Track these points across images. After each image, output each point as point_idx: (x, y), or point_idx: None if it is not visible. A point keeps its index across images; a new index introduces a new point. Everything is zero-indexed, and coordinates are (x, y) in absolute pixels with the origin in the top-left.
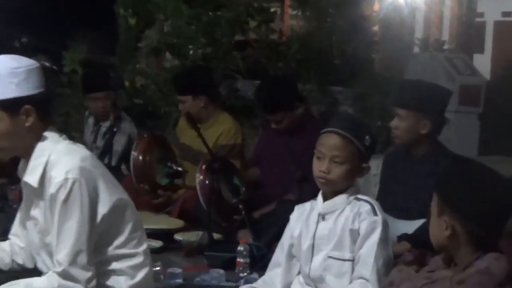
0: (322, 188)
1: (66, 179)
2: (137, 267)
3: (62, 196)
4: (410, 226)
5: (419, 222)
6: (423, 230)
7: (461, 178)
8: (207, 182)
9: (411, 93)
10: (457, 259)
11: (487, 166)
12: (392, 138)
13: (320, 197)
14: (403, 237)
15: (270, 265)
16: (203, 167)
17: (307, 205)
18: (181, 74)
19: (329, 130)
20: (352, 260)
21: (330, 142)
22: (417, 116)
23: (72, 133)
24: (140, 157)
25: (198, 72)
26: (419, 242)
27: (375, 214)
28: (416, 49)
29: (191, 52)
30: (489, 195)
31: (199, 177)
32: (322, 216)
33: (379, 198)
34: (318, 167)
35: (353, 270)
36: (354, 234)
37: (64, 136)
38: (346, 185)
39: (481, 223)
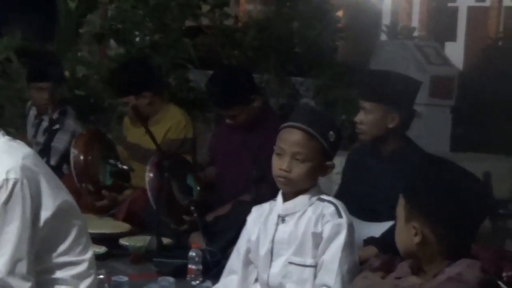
0: (282, 188)
1: (6, 180)
2: (80, 276)
3: (1, 198)
4: (378, 229)
5: (387, 225)
6: (391, 233)
7: (430, 180)
8: (156, 181)
9: (378, 85)
10: (426, 267)
11: (459, 165)
12: (358, 134)
13: (280, 197)
14: (369, 241)
15: (225, 272)
16: (153, 164)
17: (266, 206)
18: (118, 74)
19: (290, 125)
20: (315, 266)
21: (291, 138)
22: (384, 109)
23: (7, 128)
24: (81, 155)
25: (136, 69)
26: (387, 246)
27: (340, 216)
28: (383, 37)
29: (137, 39)
30: (461, 198)
31: (149, 175)
32: (282, 218)
33: (342, 199)
34: (278, 165)
35: (315, 277)
36: (317, 238)
37: (2, 131)
38: (308, 184)
39: (453, 228)
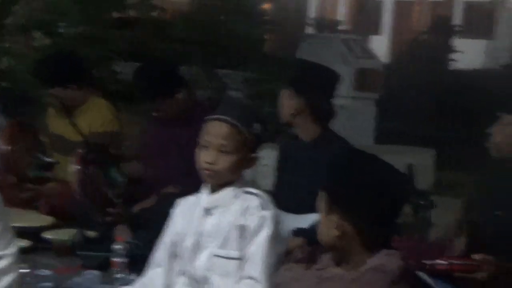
0: (207, 181)
1: None
2: (3, 271)
3: None
4: (306, 220)
5: (315, 216)
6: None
7: (349, 174)
8: (82, 173)
9: (292, 72)
10: (348, 258)
11: (378, 157)
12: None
13: (205, 190)
14: (298, 232)
15: (150, 265)
16: (78, 157)
17: (191, 198)
18: (45, 65)
19: (216, 117)
20: (240, 259)
21: (216, 131)
22: (296, 96)
23: None
24: (6, 148)
25: (64, 61)
26: (315, 238)
27: (265, 208)
28: (309, 30)
29: (64, 30)
30: (380, 191)
31: (74, 167)
32: (208, 211)
33: (275, 192)
34: (204, 158)
35: (240, 269)
36: (242, 231)
37: None
38: (233, 177)
39: (372, 221)
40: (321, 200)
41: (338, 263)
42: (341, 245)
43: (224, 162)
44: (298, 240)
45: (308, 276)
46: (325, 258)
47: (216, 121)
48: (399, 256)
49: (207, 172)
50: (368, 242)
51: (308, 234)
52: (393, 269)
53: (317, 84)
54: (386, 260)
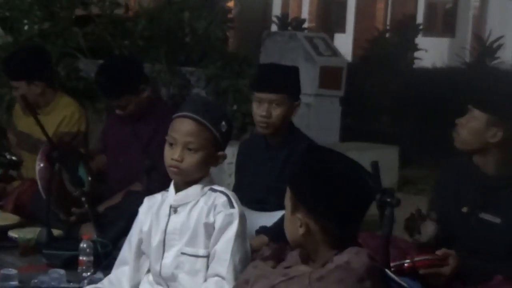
0: (174, 178)
1: None
2: None
3: None
4: (269, 219)
5: (278, 214)
6: (282, 223)
7: (314, 172)
8: (47, 171)
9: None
10: (314, 256)
11: (343, 155)
12: (262, 128)
13: (172, 188)
14: (261, 231)
15: (117, 263)
16: (43, 155)
17: (158, 196)
18: (11, 57)
19: (183, 115)
20: (207, 257)
21: (183, 128)
22: (278, 99)
23: None
24: None
25: (31, 55)
26: (279, 236)
27: (232, 206)
28: (274, 28)
29: (26, 27)
30: (344, 189)
31: (39, 166)
32: (174, 209)
33: (235, 189)
34: (170, 155)
35: (208, 267)
36: (209, 228)
37: None
38: (200, 174)
39: (337, 220)
40: (287, 198)
41: (305, 260)
42: (306, 243)
43: (190, 159)
44: (261, 239)
45: (275, 274)
46: (292, 256)
47: (183, 118)
48: (365, 254)
49: (174, 169)
50: (334, 240)
51: (270, 233)
52: (359, 267)
53: (291, 83)
54: (353, 258)
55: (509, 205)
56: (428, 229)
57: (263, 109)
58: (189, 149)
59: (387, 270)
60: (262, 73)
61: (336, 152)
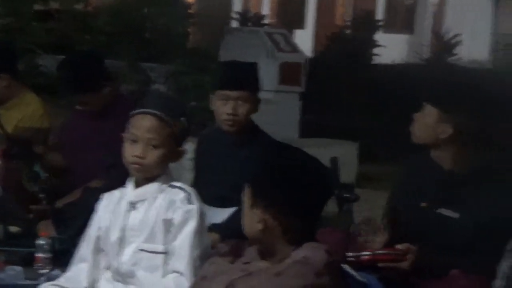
0: (135, 175)
1: None
2: None
3: None
4: (227, 214)
5: (233, 210)
6: (233, 220)
7: (272, 169)
8: (5, 168)
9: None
10: (272, 251)
11: (303, 151)
12: (228, 126)
13: (130, 184)
14: (212, 228)
15: (75, 260)
16: (1, 151)
17: (116, 193)
18: None
19: (143, 111)
20: (166, 253)
21: (145, 124)
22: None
23: None
24: None
25: None
26: (230, 233)
27: (191, 202)
28: (234, 23)
29: None
30: (303, 186)
31: None
32: (133, 205)
33: (194, 185)
34: (132, 152)
35: (166, 263)
36: (168, 225)
37: None
38: (160, 170)
39: (295, 216)
40: (246, 193)
41: (263, 256)
42: (265, 239)
43: (152, 155)
44: (212, 236)
45: (233, 270)
46: (250, 251)
47: (144, 114)
48: (323, 249)
49: (135, 166)
50: (293, 236)
51: (222, 230)
52: (317, 262)
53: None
54: (311, 253)
55: (467, 200)
56: (379, 239)
57: (230, 107)
58: (151, 146)
59: (345, 266)
60: (227, 71)
61: (295, 149)
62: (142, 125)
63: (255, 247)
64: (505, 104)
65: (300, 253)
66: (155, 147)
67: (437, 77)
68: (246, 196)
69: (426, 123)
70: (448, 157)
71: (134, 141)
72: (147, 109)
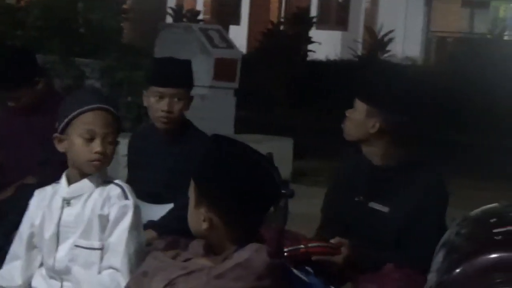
0: (93, 171)
1: None
2: None
3: None
4: (164, 211)
5: (170, 207)
6: (170, 218)
7: (218, 166)
8: None
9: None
10: (217, 249)
11: (250, 148)
12: (164, 123)
13: (64, 180)
14: (149, 225)
15: (8, 257)
16: None
17: (48, 189)
18: None
19: (99, 107)
20: (102, 249)
21: (102, 120)
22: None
23: None
24: None
25: None
26: (166, 230)
27: (126, 198)
28: (169, 19)
29: None
30: (249, 184)
31: None
32: (67, 202)
33: (129, 182)
34: (91, 149)
35: (102, 259)
36: (104, 220)
37: None
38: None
39: (240, 216)
40: (192, 190)
41: (207, 252)
42: (210, 237)
43: (110, 151)
44: (149, 233)
45: (174, 266)
46: (193, 246)
47: (99, 110)
48: (265, 251)
49: (97, 163)
50: (237, 235)
51: (158, 227)
52: (259, 264)
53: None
54: (253, 255)
55: (396, 194)
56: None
57: (165, 104)
58: (108, 141)
59: (292, 268)
60: (162, 67)
61: (242, 145)
62: (99, 121)
63: (198, 242)
64: (434, 99)
65: (242, 254)
66: (110, 143)
67: (362, 73)
68: (192, 193)
69: (356, 118)
70: (377, 153)
71: (92, 138)
72: (101, 105)
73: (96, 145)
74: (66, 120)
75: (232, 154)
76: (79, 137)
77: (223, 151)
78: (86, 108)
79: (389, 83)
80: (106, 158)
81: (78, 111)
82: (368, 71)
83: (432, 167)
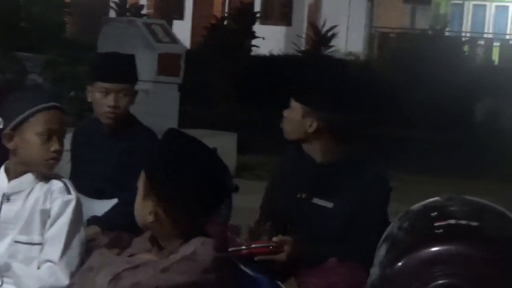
0: (48, 171)
1: None
2: None
3: None
4: (106, 206)
5: (113, 202)
6: (114, 213)
7: (169, 161)
8: None
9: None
10: (162, 244)
11: (203, 144)
12: (110, 118)
13: (3, 175)
14: (92, 220)
15: None
16: None
17: None
18: None
19: (55, 105)
20: (42, 244)
21: (58, 119)
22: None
23: None
24: None
25: None
26: (110, 225)
27: (69, 192)
28: (112, 14)
29: None
30: (198, 180)
31: None
32: (7, 197)
33: (71, 177)
34: (50, 148)
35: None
36: (45, 215)
37: None
38: None
39: (187, 211)
40: (141, 182)
41: (152, 248)
42: (156, 230)
43: (62, 149)
44: (93, 229)
45: (119, 262)
46: (138, 242)
47: (54, 109)
48: (212, 245)
49: (53, 161)
50: (183, 230)
51: (102, 222)
52: (205, 258)
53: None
54: (199, 249)
55: (339, 190)
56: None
57: (111, 99)
58: (62, 139)
59: (237, 262)
60: (106, 63)
61: (196, 140)
62: (55, 120)
63: (142, 238)
64: (375, 95)
65: (189, 248)
66: (61, 139)
67: (300, 72)
68: (141, 185)
69: (294, 118)
70: (318, 150)
71: (50, 136)
72: (55, 103)
73: (54, 144)
74: (21, 117)
75: (186, 149)
76: (35, 136)
77: (176, 146)
78: (43, 106)
79: (323, 82)
80: (60, 155)
81: (35, 109)
82: (302, 71)
83: (374, 162)
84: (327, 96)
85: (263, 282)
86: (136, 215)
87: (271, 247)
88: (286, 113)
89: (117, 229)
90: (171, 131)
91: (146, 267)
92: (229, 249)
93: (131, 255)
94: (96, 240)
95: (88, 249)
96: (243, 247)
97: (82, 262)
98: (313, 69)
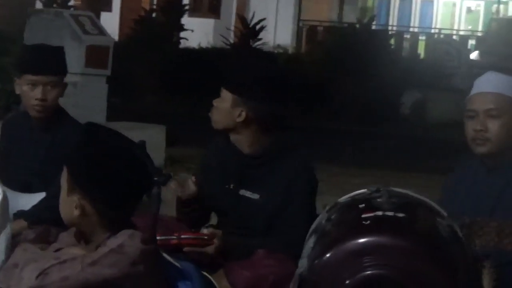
0: None
1: None
2: None
3: None
4: (33, 200)
5: (42, 196)
6: (41, 207)
7: (90, 154)
8: None
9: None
10: (89, 237)
11: (123, 136)
12: (38, 111)
13: None
14: (19, 214)
15: None
16: None
17: None
18: None
19: None
20: None
21: None
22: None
23: None
24: None
25: None
26: (37, 220)
27: None
28: (39, 5)
29: None
30: (120, 172)
31: None
32: None
33: None
34: None
35: None
36: None
37: None
38: None
39: (112, 203)
40: (64, 178)
41: (78, 243)
42: (81, 225)
43: None
44: (20, 223)
45: (45, 257)
46: (64, 237)
47: None
48: (139, 237)
49: None
50: (110, 223)
51: (29, 216)
52: (133, 250)
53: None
54: (126, 241)
55: (266, 181)
56: (190, 187)
57: (39, 92)
58: None
59: (164, 253)
60: (33, 55)
61: (115, 133)
62: None
63: (68, 233)
64: (304, 87)
65: (116, 241)
66: None
67: (231, 62)
68: (65, 181)
69: (223, 108)
70: (245, 141)
71: None
72: None
73: None
74: None
75: (105, 143)
76: None
77: (96, 139)
78: None
79: (253, 72)
80: None
81: None
82: (233, 61)
83: (301, 154)
84: (257, 86)
85: (192, 273)
86: (61, 211)
87: (200, 239)
88: (215, 102)
89: (44, 223)
90: (89, 125)
91: (74, 262)
92: (158, 238)
93: (57, 250)
94: (22, 234)
95: (14, 244)
96: (173, 237)
97: (8, 257)
98: (245, 60)
